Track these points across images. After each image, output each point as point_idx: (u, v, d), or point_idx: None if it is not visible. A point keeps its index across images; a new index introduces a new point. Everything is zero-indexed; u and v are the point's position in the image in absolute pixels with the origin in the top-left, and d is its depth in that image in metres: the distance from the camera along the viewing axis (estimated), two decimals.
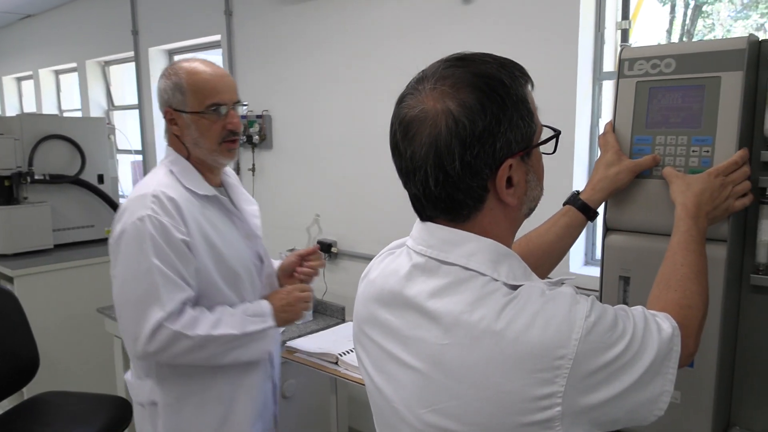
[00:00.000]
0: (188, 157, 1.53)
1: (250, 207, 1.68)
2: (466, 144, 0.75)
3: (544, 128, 0.84)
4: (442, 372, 0.77)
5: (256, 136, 3.43)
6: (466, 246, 0.80)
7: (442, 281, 0.80)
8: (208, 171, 1.56)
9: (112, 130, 4.13)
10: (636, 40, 2.46)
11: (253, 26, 3.45)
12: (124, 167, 4.74)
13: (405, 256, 0.87)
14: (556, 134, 0.85)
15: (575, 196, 1.18)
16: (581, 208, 1.16)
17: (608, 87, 2.36)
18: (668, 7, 3.09)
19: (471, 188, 0.78)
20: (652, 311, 0.85)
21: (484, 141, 0.76)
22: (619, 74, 1.22)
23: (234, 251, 1.52)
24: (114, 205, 3.74)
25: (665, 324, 0.82)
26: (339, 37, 3.00)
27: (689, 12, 3.18)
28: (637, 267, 1.20)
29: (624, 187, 1.18)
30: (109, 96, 5.00)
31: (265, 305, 1.56)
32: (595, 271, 2.22)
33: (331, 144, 3.12)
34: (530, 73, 0.85)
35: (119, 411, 2.41)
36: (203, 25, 3.75)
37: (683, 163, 1.14)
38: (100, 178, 3.71)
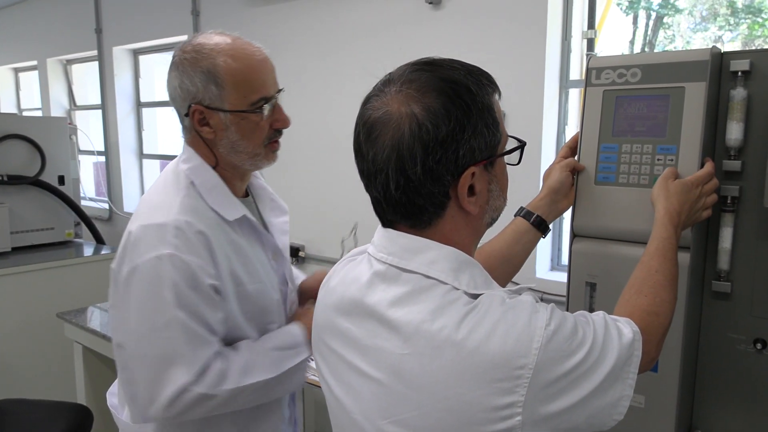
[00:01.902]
0: (215, 165, 1.20)
1: (279, 219, 1.36)
2: (429, 149, 0.75)
3: (510, 138, 0.84)
4: (402, 382, 0.76)
5: None
6: (427, 254, 0.80)
7: (403, 289, 0.79)
8: (239, 179, 1.25)
9: (74, 130, 4.02)
10: (601, 49, 2.51)
11: (220, 27, 3.38)
12: (87, 168, 4.63)
13: (366, 264, 0.86)
14: (521, 145, 0.85)
15: (521, 208, 1.21)
16: (525, 215, 1.19)
17: (574, 95, 2.40)
18: (631, 18, 3.16)
19: (432, 194, 0.78)
20: (614, 316, 0.85)
21: (447, 147, 0.75)
22: (587, 83, 1.24)
23: (261, 285, 1.22)
24: (75, 208, 3.65)
25: (626, 329, 0.82)
26: (307, 39, 2.99)
27: (651, 23, 3.26)
28: (604, 273, 1.21)
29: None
30: (71, 95, 4.87)
31: (297, 332, 1.26)
32: (561, 277, 2.25)
33: (299, 146, 3.09)
34: (498, 80, 0.85)
35: (79, 418, 2.34)
36: (169, 25, 3.68)
37: (648, 171, 1.16)
38: (61, 180, 3.60)
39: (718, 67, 1.14)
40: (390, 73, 0.81)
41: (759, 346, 1.15)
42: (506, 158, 0.84)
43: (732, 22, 3.12)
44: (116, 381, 1.41)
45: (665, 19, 3.29)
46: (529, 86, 2.32)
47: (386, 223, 0.84)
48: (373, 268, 0.83)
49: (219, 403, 1.11)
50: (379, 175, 0.78)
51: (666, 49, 3.32)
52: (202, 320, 1.10)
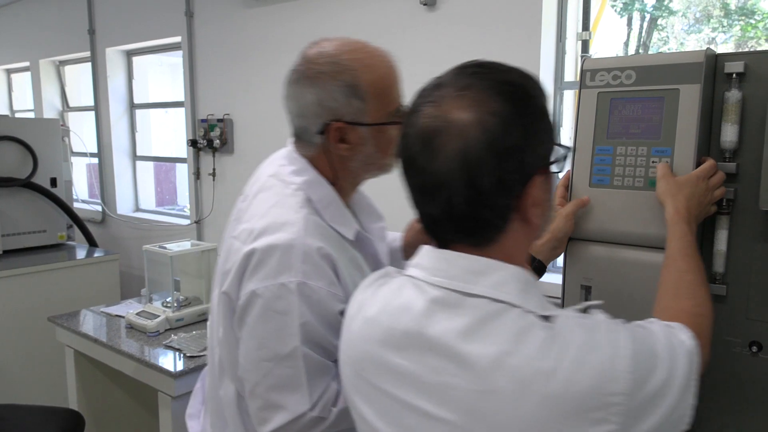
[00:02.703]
0: (333, 180, 1.10)
1: (377, 226, 1.24)
2: (500, 156, 0.69)
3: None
4: (482, 423, 0.67)
5: (217, 140, 3.37)
6: (494, 275, 0.73)
7: (470, 318, 0.70)
8: (352, 190, 1.17)
9: (66, 132, 4.00)
10: (596, 51, 2.50)
11: (215, 28, 3.39)
12: (80, 170, 4.60)
13: (414, 290, 0.76)
14: (568, 150, 0.81)
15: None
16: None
17: (569, 96, 2.40)
18: (625, 19, 3.17)
19: (499, 207, 0.72)
20: (667, 323, 0.82)
21: (517, 154, 0.70)
22: (581, 84, 1.23)
23: None
24: (68, 210, 3.62)
25: (684, 336, 0.79)
26: (302, 41, 2.95)
27: (645, 25, 3.27)
28: (599, 276, 1.21)
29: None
30: (63, 97, 4.84)
31: None
32: (555, 278, 2.24)
33: None
34: None
35: (70, 424, 2.32)
36: (163, 26, 3.67)
37: (643, 174, 1.16)
38: (53, 182, 3.58)
39: (712, 69, 1.13)
40: (438, 78, 0.76)
41: (755, 349, 1.14)
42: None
43: (725, 23, 3.14)
44: (192, 401, 1.34)
45: (659, 21, 3.30)
46: None
47: (442, 243, 0.77)
48: (429, 295, 0.74)
49: (328, 425, 1.03)
50: (443, 190, 0.71)
51: (660, 50, 3.33)
52: (326, 349, 1.01)
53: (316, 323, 0.98)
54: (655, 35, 3.34)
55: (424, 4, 2.48)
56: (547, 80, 2.33)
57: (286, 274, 0.97)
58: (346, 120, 1.04)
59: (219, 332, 1.08)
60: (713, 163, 1.10)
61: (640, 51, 3.28)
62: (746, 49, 3.28)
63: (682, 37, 3.32)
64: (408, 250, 1.38)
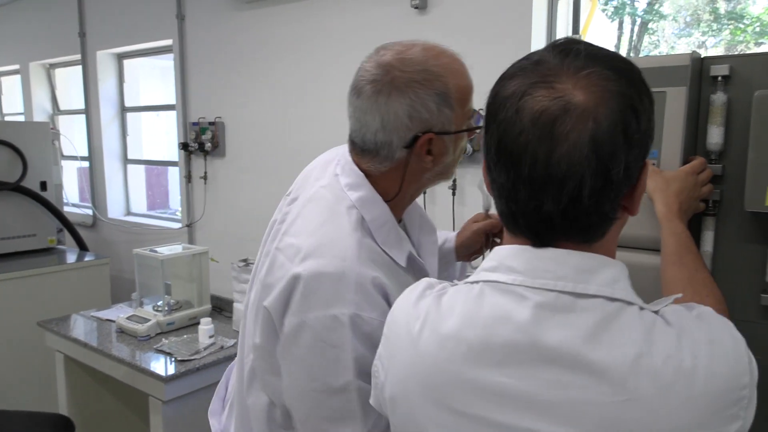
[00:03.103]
0: (395, 195, 1.03)
1: (429, 239, 1.17)
2: (633, 142, 0.63)
3: None
4: None
5: (209, 144, 3.36)
6: (606, 271, 0.66)
7: (590, 320, 0.63)
8: (410, 203, 1.12)
9: (56, 135, 3.98)
10: None
11: (207, 31, 3.38)
12: (70, 174, 4.58)
13: (504, 296, 0.68)
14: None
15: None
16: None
17: None
18: (616, 23, 3.19)
19: (620, 197, 0.66)
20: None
21: (643, 140, 0.65)
22: None
23: None
24: (58, 214, 3.60)
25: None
26: (293, 44, 2.97)
27: (636, 29, 3.29)
28: None
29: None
30: (54, 100, 4.82)
31: None
32: None
33: (286, 152, 3.08)
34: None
35: (60, 429, 2.31)
36: (154, 29, 3.66)
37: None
38: (43, 185, 3.56)
39: (698, 72, 1.14)
40: (530, 58, 0.68)
41: None
42: None
43: (715, 27, 3.17)
44: (214, 397, 1.31)
45: (650, 25, 3.32)
46: None
47: (541, 242, 0.68)
48: (532, 300, 0.66)
49: None
50: (568, 181, 0.62)
51: (651, 54, 3.35)
52: None
53: (370, 356, 0.88)
54: (646, 39, 3.37)
55: (415, 8, 2.49)
56: None
57: (339, 305, 0.91)
58: (436, 130, 0.97)
59: (255, 339, 1.03)
60: (703, 160, 1.11)
61: (631, 54, 3.30)
62: (732, 53, 3.31)
63: (673, 41, 3.35)
64: (461, 251, 1.35)
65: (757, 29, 3.22)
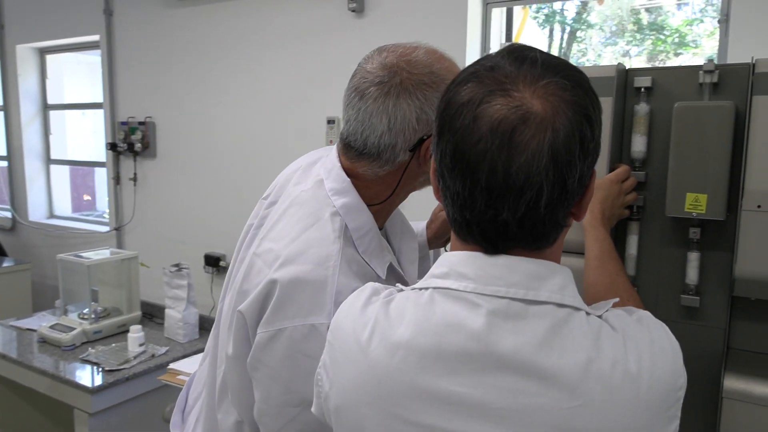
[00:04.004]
0: (382, 201, 1.02)
1: (409, 245, 1.15)
2: (588, 151, 0.64)
3: None
4: None
5: (138, 144, 3.24)
6: (556, 278, 0.67)
7: (541, 326, 0.64)
8: (395, 209, 1.10)
9: None
10: None
11: (136, 28, 3.26)
12: None
13: (456, 303, 0.67)
14: None
15: None
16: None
17: None
18: (547, 31, 3.30)
19: (572, 204, 0.66)
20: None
21: (597, 147, 0.66)
22: None
23: None
24: None
25: None
26: (228, 43, 2.91)
27: (565, 36, 3.42)
28: None
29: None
30: None
31: None
32: None
33: (219, 153, 3.01)
34: None
35: None
36: (80, 24, 3.50)
37: None
38: None
39: (623, 83, 1.19)
40: (483, 63, 0.67)
41: None
42: None
43: (638, 37, 3.33)
44: (175, 409, 1.24)
45: (578, 33, 3.46)
46: None
47: (495, 248, 0.68)
48: (485, 308, 0.65)
49: None
50: (526, 190, 0.62)
51: (579, 61, 3.50)
52: None
53: None
54: (575, 47, 3.51)
55: (352, 11, 2.49)
56: None
57: (317, 314, 0.88)
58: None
59: (228, 349, 0.99)
60: (627, 168, 1.16)
61: None
62: (654, 65, 3.50)
63: (600, 49, 3.51)
64: (434, 241, 1.36)
65: (676, 40, 3.42)
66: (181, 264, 2.53)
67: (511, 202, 0.63)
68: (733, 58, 1.91)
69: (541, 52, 0.67)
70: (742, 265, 1.06)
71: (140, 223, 3.37)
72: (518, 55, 0.66)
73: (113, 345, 2.40)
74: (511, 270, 0.66)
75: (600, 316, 0.67)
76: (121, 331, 2.52)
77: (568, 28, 3.50)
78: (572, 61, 3.12)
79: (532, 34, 3.09)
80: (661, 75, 1.18)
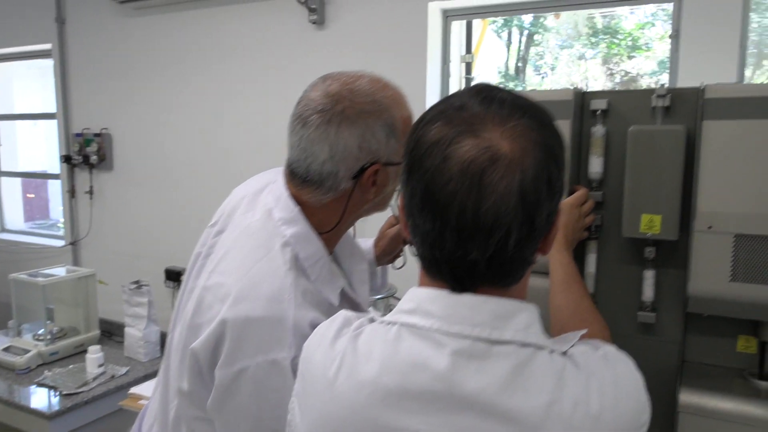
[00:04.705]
0: (332, 228, 1.01)
1: (360, 268, 1.15)
2: (555, 190, 0.65)
3: None
4: None
5: (94, 156, 3.16)
6: (521, 316, 0.67)
7: (504, 367, 0.64)
8: (344, 234, 1.10)
9: None
10: (479, 72, 2.62)
11: (91, 37, 3.18)
12: None
13: (421, 341, 0.68)
14: None
15: None
16: None
17: None
18: (505, 34, 3.36)
19: (538, 242, 0.67)
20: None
21: (562, 186, 0.68)
22: None
23: None
24: None
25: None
26: (188, 55, 2.87)
27: (523, 39, 3.48)
28: None
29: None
30: None
31: None
32: None
33: (178, 165, 2.96)
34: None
35: None
36: (30, 32, 3.39)
37: None
38: None
39: (580, 106, 1.22)
40: (452, 101, 0.68)
41: None
42: None
43: (593, 41, 3.43)
44: None
45: (536, 37, 3.53)
46: (412, 107, 2.37)
47: (462, 286, 0.68)
48: (449, 347, 0.66)
49: None
50: (495, 231, 0.63)
51: (537, 63, 3.58)
52: None
53: None
54: (533, 50, 3.58)
55: (313, 23, 2.48)
56: (433, 102, 2.40)
57: (278, 349, 0.88)
58: (383, 161, 0.96)
59: (183, 384, 0.97)
60: (585, 191, 1.19)
61: (519, 65, 3.52)
62: (609, 68, 3.60)
63: (557, 52, 3.59)
64: (381, 258, 1.36)
65: (630, 43, 3.52)
66: (141, 281, 2.48)
67: (480, 242, 0.63)
68: (684, 72, 1.97)
69: (508, 91, 0.69)
70: (694, 284, 1.10)
71: (97, 237, 3.28)
72: (486, 95, 0.67)
73: (71, 366, 2.33)
74: (477, 309, 0.67)
75: (565, 352, 0.68)
76: (79, 352, 2.45)
77: (525, 32, 3.57)
78: (530, 63, 3.18)
79: (491, 42, 3.14)
80: (616, 98, 1.22)
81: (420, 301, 0.70)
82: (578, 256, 1.26)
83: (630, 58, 3.52)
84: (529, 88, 3.48)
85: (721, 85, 1.09)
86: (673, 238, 1.12)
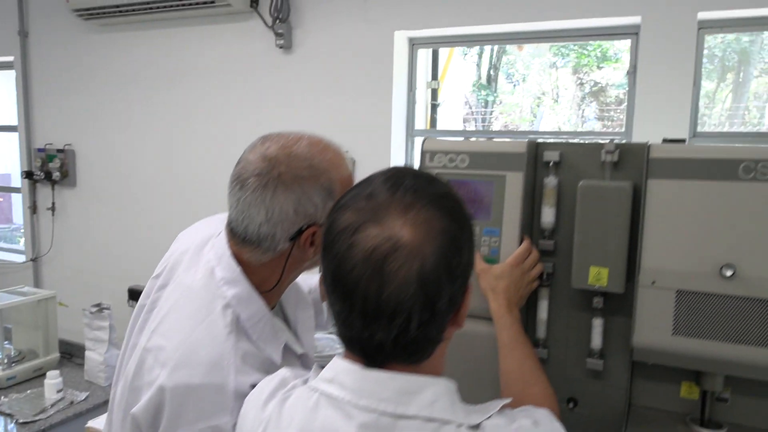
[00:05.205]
0: (273, 286, 1.03)
1: (305, 314, 1.16)
2: (455, 276, 0.68)
3: None
4: None
5: (57, 173, 3.11)
6: (426, 393, 0.70)
7: None
8: (287, 287, 1.11)
9: None
10: (444, 98, 2.66)
11: (54, 51, 3.13)
12: None
13: (334, 411, 0.71)
14: None
15: None
16: None
17: (419, 143, 2.52)
18: (474, 55, 3.39)
19: (445, 323, 0.71)
20: (540, 409, 0.87)
21: (466, 270, 0.71)
22: (422, 164, 1.31)
23: None
24: None
25: (557, 424, 0.85)
26: (154, 73, 2.84)
27: (495, 49, 3.50)
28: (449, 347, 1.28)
29: None
30: None
31: None
32: None
33: (143, 183, 2.93)
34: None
35: None
36: None
37: (480, 255, 1.25)
38: None
39: (533, 157, 1.25)
40: (362, 188, 0.72)
41: (571, 405, 1.28)
42: None
43: (564, 51, 3.51)
44: None
45: (507, 47, 3.59)
46: (378, 133, 2.40)
47: (373, 362, 0.72)
48: (357, 420, 0.69)
49: None
50: (397, 316, 0.66)
51: (509, 72, 3.65)
52: None
53: None
54: (504, 58, 3.64)
55: (280, 47, 2.48)
56: (398, 128, 2.43)
57: (219, 415, 0.88)
58: (320, 223, 0.96)
59: None
60: (526, 247, 1.21)
61: (491, 72, 3.58)
62: (579, 78, 3.69)
63: (528, 61, 3.66)
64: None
65: (599, 54, 3.61)
66: (102, 304, 2.44)
67: (383, 326, 0.67)
68: (640, 109, 2.04)
69: (416, 177, 0.73)
70: (638, 336, 1.14)
71: (59, 254, 3.23)
72: (394, 182, 0.72)
73: (29, 392, 2.29)
74: (384, 385, 0.70)
75: (478, 425, 0.70)
76: (37, 375, 2.41)
77: (496, 48, 3.62)
78: (502, 73, 3.24)
79: (461, 56, 3.17)
80: (568, 150, 1.25)
81: (337, 371, 0.74)
82: (531, 301, 1.30)
83: (599, 68, 3.60)
84: (501, 96, 3.54)
85: (665, 145, 1.14)
86: (619, 291, 1.16)
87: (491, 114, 3.64)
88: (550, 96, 3.78)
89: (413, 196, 0.70)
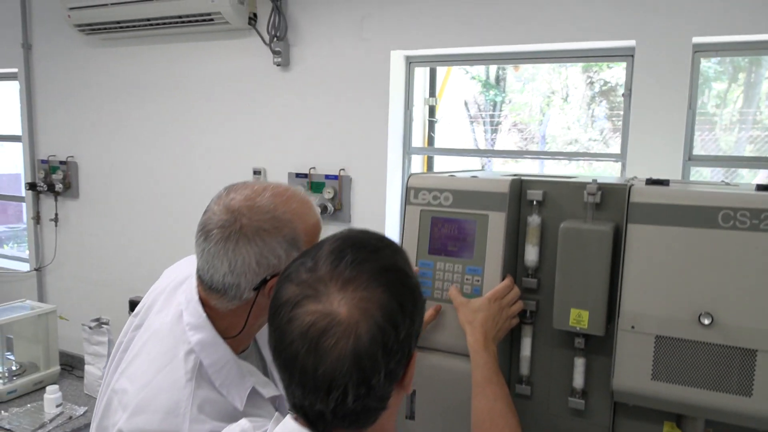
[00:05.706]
0: (240, 331, 1.04)
1: None
2: (392, 351, 0.70)
3: None
4: None
5: (60, 184, 3.14)
6: None
7: None
8: (255, 333, 1.12)
9: None
10: (442, 115, 2.66)
11: (58, 64, 3.16)
12: None
13: None
14: None
15: None
16: None
17: (417, 160, 2.52)
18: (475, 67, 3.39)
19: (387, 393, 0.73)
20: None
21: (405, 343, 0.72)
22: (407, 201, 1.31)
23: None
24: None
25: None
26: (155, 88, 2.87)
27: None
28: (424, 381, 1.29)
29: None
30: None
31: None
32: None
33: (145, 197, 2.96)
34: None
35: None
36: None
37: (459, 289, 1.26)
38: None
39: (517, 195, 1.26)
40: (308, 259, 0.74)
41: None
42: None
43: None
44: None
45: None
46: (374, 151, 2.41)
47: (319, 429, 0.74)
48: None
49: None
50: (333, 390, 0.68)
51: (505, 73, 3.64)
52: None
53: None
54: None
55: (278, 65, 2.49)
56: (395, 146, 2.44)
57: None
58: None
59: None
60: (507, 283, 1.21)
61: (500, 72, 3.58)
62: (588, 76, 3.68)
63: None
64: None
65: None
66: (101, 318, 2.47)
67: (321, 398, 0.69)
68: (635, 132, 2.03)
69: (360, 248, 0.74)
70: (618, 379, 1.14)
71: (62, 265, 3.27)
72: (338, 254, 0.73)
73: (28, 406, 2.33)
74: None
75: None
76: (38, 389, 2.44)
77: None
78: (511, 72, 3.22)
79: (458, 78, 3.16)
80: (552, 189, 1.25)
81: None
82: (515, 338, 1.30)
83: (609, 67, 3.59)
84: (510, 94, 3.53)
85: (646, 188, 1.13)
86: (599, 334, 1.16)
87: (500, 115, 3.63)
88: (560, 95, 3.76)
89: (354, 269, 0.71)
